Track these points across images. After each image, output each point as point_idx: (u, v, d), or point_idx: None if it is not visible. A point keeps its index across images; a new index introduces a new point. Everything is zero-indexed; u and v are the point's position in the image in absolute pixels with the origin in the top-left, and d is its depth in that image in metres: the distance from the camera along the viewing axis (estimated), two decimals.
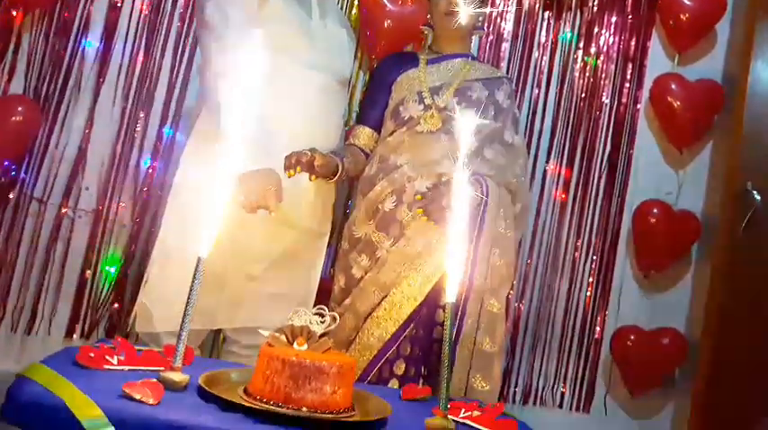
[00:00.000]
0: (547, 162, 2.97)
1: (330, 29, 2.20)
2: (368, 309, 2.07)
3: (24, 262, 2.61)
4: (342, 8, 2.85)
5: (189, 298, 1.30)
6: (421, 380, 1.97)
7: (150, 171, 2.72)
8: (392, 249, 2.07)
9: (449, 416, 1.34)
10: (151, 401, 1.16)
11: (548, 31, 3.01)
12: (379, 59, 2.61)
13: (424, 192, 2.09)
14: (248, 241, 2.02)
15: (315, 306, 1.49)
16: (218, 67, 1.94)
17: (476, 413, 1.44)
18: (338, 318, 1.45)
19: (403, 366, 2.04)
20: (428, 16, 2.32)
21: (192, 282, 1.31)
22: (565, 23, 3.01)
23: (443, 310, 2.02)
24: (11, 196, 2.61)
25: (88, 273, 2.65)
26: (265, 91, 1.45)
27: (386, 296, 2.05)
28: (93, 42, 2.72)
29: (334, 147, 2.16)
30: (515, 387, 2.90)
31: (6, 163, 2.61)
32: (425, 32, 2.36)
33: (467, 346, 2.00)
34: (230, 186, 1.36)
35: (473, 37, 2.41)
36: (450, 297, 1.39)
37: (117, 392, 1.16)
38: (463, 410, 1.46)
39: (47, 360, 1.27)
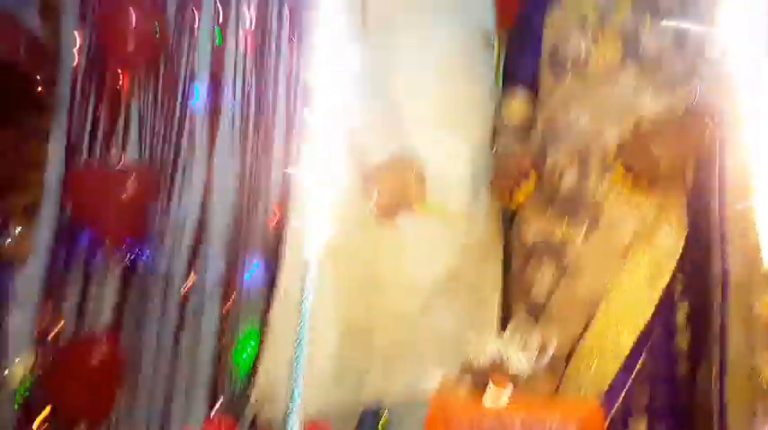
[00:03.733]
0: None
1: None
2: (567, 344, 1.37)
3: (152, 359, 2.21)
4: None
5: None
6: None
7: (277, 220, 2.27)
8: (587, 244, 1.40)
9: None
10: None
11: None
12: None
13: (619, 146, 1.41)
14: (391, 269, 1.54)
15: None
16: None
17: None
18: (552, 340, 0.88)
19: (643, 424, 1.32)
20: None
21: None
22: None
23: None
24: (133, 280, 2.29)
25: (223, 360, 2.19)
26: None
27: (592, 319, 1.36)
28: (200, 89, 2.42)
29: (488, 125, 1.67)
30: None
31: (128, 240, 2.32)
32: None
33: (740, 375, 1.24)
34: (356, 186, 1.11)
35: None
36: None
37: None
38: None
39: None
